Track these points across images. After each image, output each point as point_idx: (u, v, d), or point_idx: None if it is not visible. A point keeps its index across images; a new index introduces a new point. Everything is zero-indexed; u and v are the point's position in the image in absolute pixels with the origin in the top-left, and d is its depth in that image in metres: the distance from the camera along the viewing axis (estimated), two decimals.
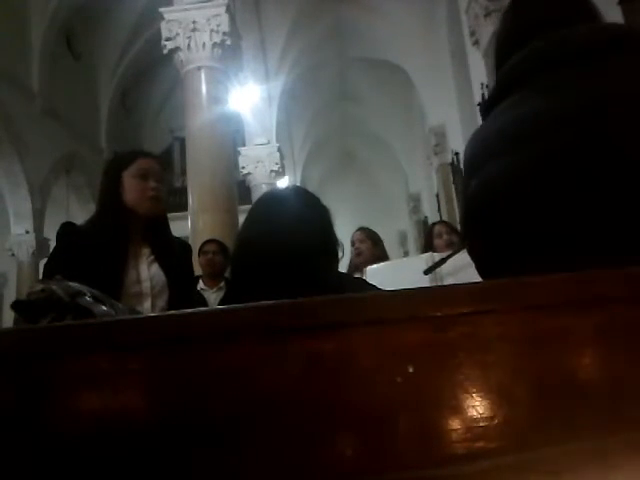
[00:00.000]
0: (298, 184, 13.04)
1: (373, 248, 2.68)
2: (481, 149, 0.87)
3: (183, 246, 1.69)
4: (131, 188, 1.50)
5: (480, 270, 0.93)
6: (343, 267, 2.57)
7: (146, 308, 1.45)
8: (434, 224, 2.83)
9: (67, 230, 1.50)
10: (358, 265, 2.61)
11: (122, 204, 1.49)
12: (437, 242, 2.49)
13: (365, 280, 1.38)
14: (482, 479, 0.38)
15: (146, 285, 1.49)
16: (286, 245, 0.99)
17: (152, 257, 1.53)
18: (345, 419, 0.39)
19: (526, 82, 0.81)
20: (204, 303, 2.96)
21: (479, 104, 6.80)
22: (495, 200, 0.81)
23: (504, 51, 0.90)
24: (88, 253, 1.38)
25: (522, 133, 0.78)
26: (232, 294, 1.09)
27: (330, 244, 1.09)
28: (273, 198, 1.18)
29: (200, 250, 3.33)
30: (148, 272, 1.51)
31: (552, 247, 0.74)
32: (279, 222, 1.03)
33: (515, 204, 0.78)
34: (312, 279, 0.96)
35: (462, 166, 0.95)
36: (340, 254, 1.14)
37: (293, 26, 9.51)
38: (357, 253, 2.65)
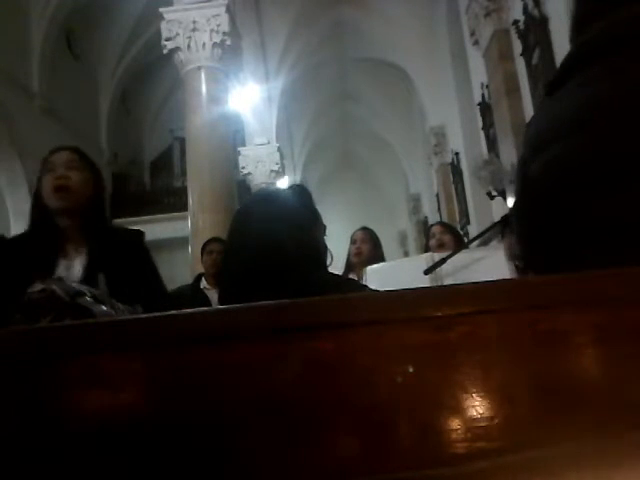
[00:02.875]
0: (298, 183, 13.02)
1: (373, 250, 2.64)
2: (552, 127, 0.80)
3: (131, 240, 1.55)
4: (43, 185, 1.46)
5: (532, 261, 0.86)
6: (338, 266, 2.56)
7: None
8: (432, 225, 2.82)
9: None
10: (355, 265, 2.58)
11: (43, 207, 1.45)
12: (431, 243, 2.49)
13: (360, 283, 1.37)
14: (482, 479, 0.38)
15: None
16: (273, 248, 0.98)
17: (87, 257, 1.44)
18: (345, 419, 0.39)
19: (607, 55, 0.75)
20: (207, 302, 2.95)
21: (479, 104, 6.81)
22: (567, 182, 0.75)
23: (584, 19, 0.83)
24: (16, 261, 1.35)
25: (602, 112, 0.72)
26: (225, 296, 1.08)
27: (316, 244, 1.07)
28: (260, 200, 1.16)
29: (203, 249, 3.30)
30: (83, 273, 1.42)
31: (618, 238, 0.68)
32: (266, 224, 1.02)
33: (585, 189, 0.72)
34: (301, 282, 0.95)
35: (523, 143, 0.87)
36: (329, 259, 1.14)
37: (293, 26, 9.51)
38: (357, 252, 2.61)
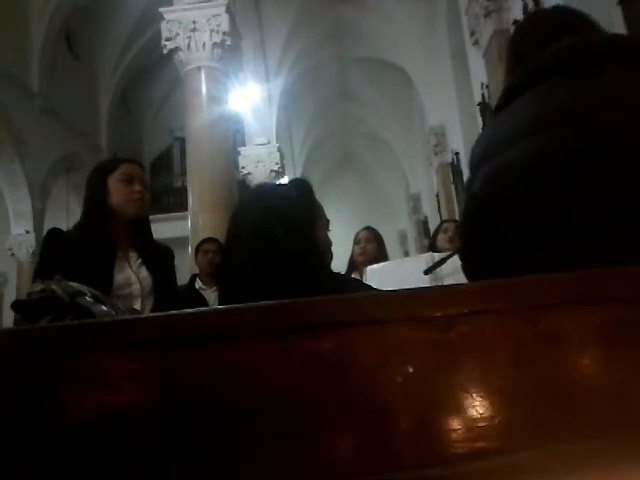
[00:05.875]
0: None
1: (378, 249, 2.64)
2: (488, 146, 0.91)
3: (166, 250, 1.72)
4: (117, 192, 1.53)
5: (474, 267, 0.95)
6: (342, 264, 2.56)
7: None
8: (445, 221, 2.84)
9: (52, 236, 1.52)
10: (359, 264, 2.58)
11: (107, 208, 1.52)
12: (442, 237, 2.47)
13: (363, 283, 1.35)
14: (482, 479, 0.38)
15: (136, 287, 1.51)
16: (265, 245, 0.96)
17: (140, 260, 1.56)
18: (345, 419, 0.39)
19: (552, 75, 0.86)
20: (205, 302, 2.94)
21: (479, 104, 6.80)
22: (510, 187, 0.84)
23: (523, 49, 0.98)
24: (75, 257, 1.39)
25: (548, 120, 0.82)
26: (225, 295, 1.06)
27: (313, 240, 1.04)
28: (255, 197, 1.14)
29: (198, 249, 3.28)
30: (137, 274, 1.52)
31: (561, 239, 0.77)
32: (258, 221, 1.00)
33: (529, 192, 0.81)
34: (300, 280, 0.93)
35: (470, 158, 0.98)
36: (329, 256, 1.12)
37: (293, 26, 9.50)
38: (362, 252, 2.61)
